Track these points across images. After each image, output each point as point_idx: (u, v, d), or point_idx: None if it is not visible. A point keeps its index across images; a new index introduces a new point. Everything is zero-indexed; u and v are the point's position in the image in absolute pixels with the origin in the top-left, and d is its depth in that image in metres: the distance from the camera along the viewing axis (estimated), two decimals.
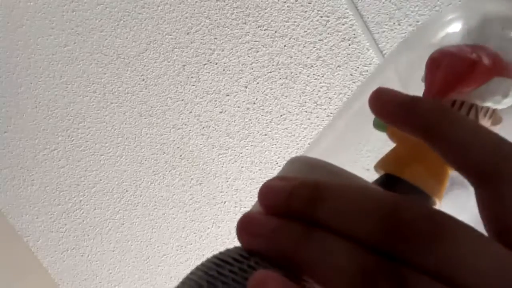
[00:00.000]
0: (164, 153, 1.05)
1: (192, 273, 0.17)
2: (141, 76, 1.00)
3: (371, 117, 0.21)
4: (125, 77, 1.02)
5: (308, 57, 0.85)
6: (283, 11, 0.84)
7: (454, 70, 0.30)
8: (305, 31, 0.83)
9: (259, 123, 0.94)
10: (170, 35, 0.94)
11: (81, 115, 1.09)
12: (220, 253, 0.18)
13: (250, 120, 0.94)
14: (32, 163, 1.19)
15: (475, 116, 0.30)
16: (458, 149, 0.17)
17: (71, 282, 1.28)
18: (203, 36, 0.92)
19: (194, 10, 0.90)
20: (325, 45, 0.82)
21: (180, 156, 1.04)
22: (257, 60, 0.89)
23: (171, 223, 1.12)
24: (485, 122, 0.31)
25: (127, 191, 1.13)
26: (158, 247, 1.15)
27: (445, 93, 0.30)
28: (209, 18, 0.90)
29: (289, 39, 0.85)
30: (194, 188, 1.06)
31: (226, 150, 0.99)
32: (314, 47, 0.84)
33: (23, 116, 1.15)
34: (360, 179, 0.20)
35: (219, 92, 0.95)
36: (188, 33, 0.93)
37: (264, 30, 0.86)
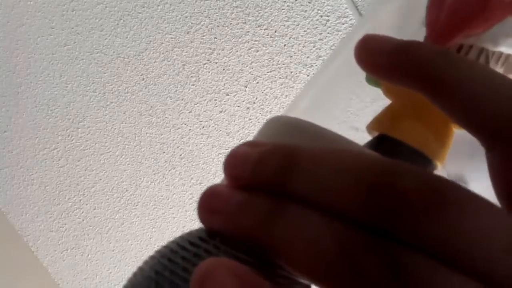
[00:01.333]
0: (164, 152, 1.05)
1: (145, 261, 0.15)
2: (141, 75, 1.00)
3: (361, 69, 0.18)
4: (125, 76, 1.02)
5: (308, 57, 0.85)
6: (283, 10, 0.84)
7: (461, 8, 0.25)
8: (305, 31, 0.83)
9: (259, 122, 0.94)
10: (170, 34, 0.94)
11: (81, 114, 1.09)
12: (180, 236, 0.16)
13: (250, 119, 0.94)
14: (32, 162, 1.19)
15: (485, 63, 0.26)
16: (466, 102, 0.14)
17: (71, 281, 1.28)
18: (203, 36, 0.91)
19: (194, 10, 0.90)
20: (325, 44, 0.82)
21: (180, 155, 1.04)
22: (257, 59, 0.89)
23: (171, 222, 1.12)
24: (497, 70, 0.26)
25: (127, 190, 1.13)
26: (157, 246, 1.15)
27: (450, 37, 0.25)
28: (209, 17, 0.90)
29: (289, 38, 0.85)
30: (194, 187, 1.06)
31: (226, 149, 0.99)
32: (314, 47, 0.84)
33: (23, 116, 1.15)
34: (349, 142, 0.17)
35: (219, 91, 0.95)
36: (188, 33, 0.93)
37: (264, 29, 0.86)
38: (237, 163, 0.15)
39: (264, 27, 0.86)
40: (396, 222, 0.12)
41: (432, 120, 0.22)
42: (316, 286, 0.13)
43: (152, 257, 0.15)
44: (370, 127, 0.24)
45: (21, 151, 1.19)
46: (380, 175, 0.13)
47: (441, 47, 0.15)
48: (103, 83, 1.04)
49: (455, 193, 0.12)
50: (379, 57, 0.16)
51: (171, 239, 0.15)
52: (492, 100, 0.14)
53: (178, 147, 1.03)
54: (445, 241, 0.12)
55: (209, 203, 0.15)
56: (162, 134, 1.03)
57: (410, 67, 0.15)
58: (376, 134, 0.23)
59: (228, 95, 0.94)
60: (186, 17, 0.91)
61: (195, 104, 0.98)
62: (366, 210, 0.12)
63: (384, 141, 0.23)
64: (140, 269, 0.15)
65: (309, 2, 0.81)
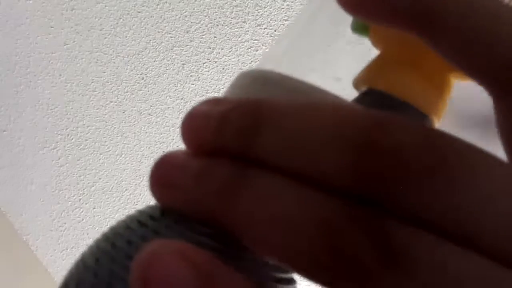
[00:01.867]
0: (164, 152, 1.05)
1: (90, 245, 0.13)
2: (141, 74, 1.00)
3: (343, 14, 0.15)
4: (124, 75, 1.02)
5: None
6: (282, 9, 0.84)
7: None
8: None
9: None
10: (170, 33, 0.94)
11: (80, 113, 1.09)
12: (131, 214, 0.13)
13: None
14: (32, 161, 1.19)
15: None
16: (471, 42, 0.11)
17: None
18: (203, 35, 0.91)
19: (194, 9, 0.90)
20: None
21: None
22: (256, 59, 0.89)
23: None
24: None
25: (126, 189, 1.13)
26: None
27: None
28: (209, 16, 0.90)
29: None
30: None
31: None
32: None
33: (22, 115, 1.15)
34: (331, 96, 0.14)
35: (218, 91, 0.95)
36: (187, 32, 0.93)
37: (264, 28, 0.86)
38: (196, 124, 0.12)
39: (264, 26, 0.86)
40: (388, 188, 0.10)
41: (427, 69, 0.19)
42: (292, 271, 0.11)
43: (96, 240, 0.13)
44: (356, 81, 0.21)
45: (20, 150, 1.19)
46: (366, 130, 0.10)
47: None
48: (103, 82, 1.04)
49: (459, 149, 0.10)
50: None
51: (123, 217, 0.13)
52: (504, 39, 0.11)
53: (177, 146, 1.03)
54: (452, 212, 0.09)
55: (160, 174, 0.13)
56: (161, 134, 1.03)
57: (404, 2, 0.12)
58: (363, 89, 0.20)
59: None
60: (186, 16, 0.91)
61: (195, 103, 0.98)
62: (349, 175, 0.10)
63: (371, 95, 0.20)
64: (82, 255, 0.13)
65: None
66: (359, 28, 0.22)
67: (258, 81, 0.15)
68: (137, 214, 0.13)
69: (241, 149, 0.11)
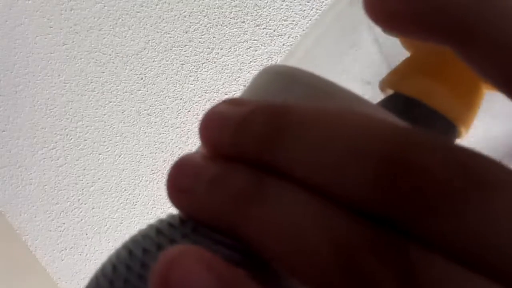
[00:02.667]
0: (163, 152, 1.05)
1: (110, 254, 0.13)
2: (140, 74, 1.00)
3: None
4: (123, 75, 1.01)
5: None
6: (281, 9, 0.84)
7: None
8: (303, 30, 0.83)
9: None
10: (169, 33, 0.94)
11: (79, 113, 1.09)
12: (153, 221, 0.13)
13: None
14: (31, 162, 1.19)
15: None
16: (505, 56, 0.10)
17: (69, 281, 1.28)
18: (202, 35, 0.91)
19: (193, 9, 0.90)
20: None
21: (179, 155, 1.04)
22: (255, 59, 0.89)
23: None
24: None
25: (125, 190, 1.13)
26: None
27: None
28: (208, 17, 0.90)
29: (288, 38, 0.85)
30: None
31: None
32: None
33: (21, 115, 1.15)
34: (359, 100, 0.13)
35: (217, 91, 0.94)
36: (186, 32, 0.93)
37: (263, 29, 0.86)
38: (215, 125, 0.12)
39: (263, 26, 0.86)
40: (413, 210, 0.09)
41: (458, 77, 0.18)
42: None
43: (116, 249, 0.13)
44: (383, 83, 0.19)
45: (19, 150, 1.19)
46: (395, 146, 0.09)
47: None
48: (102, 82, 1.04)
49: (495, 174, 0.09)
50: (394, 4, 0.11)
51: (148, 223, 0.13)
52: None
53: (176, 146, 1.03)
54: (480, 242, 0.08)
55: (175, 178, 0.12)
56: (160, 134, 1.03)
57: (434, 14, 0.11)
58: (390, 92, 0.19)
59: (227, 94, 0.94)
60: (185, 17, 0.91)
61: (194, 104, 0.98)
62: (371, 192, 0.09)
63: (398, 100, 0.18)
64: (102, 264, 0.13)
65: (307, 2, 0.81)
66: None
67: (281, 78, 0.14)
68: (158, 221, 0.13)
69: (259, 156, 0.11)
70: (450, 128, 0.18)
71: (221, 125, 0.12)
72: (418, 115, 0.18)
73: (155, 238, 0.12)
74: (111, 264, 0.12)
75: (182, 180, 0.12)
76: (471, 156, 0.09)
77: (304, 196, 0.10)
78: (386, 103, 0.19)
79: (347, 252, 0.09)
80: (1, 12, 1.07)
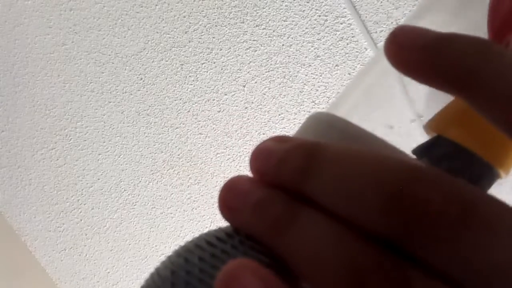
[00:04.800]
0: (162, 152, 1.05)
1: (163, 261, 0.15)
2: (139, 75, 1.00)
3: None
4: (123, 76, 1.01)
5: (306, 56, 0.85)
6: (281, 10, 0.84)
7: None
8: (303, 30, 0.83)
9: (257, 122, 0.94)
10: (168, 34, 0.94)
11: (79, 114, 1.09)
12: (204, 233, 0.15)
13: (248, 119, 0.94)
14: (30, 162, 1.19)
15: None
16: (504, 103, 0.12)
17: (69, 281, 1.28)
18: (201, 35, 0.91)
19: (192, 9, 0.90)
20: (323, 44, 0.82)
21: (178, 155, 1.04)
22: (255, 59, 0.89)
23: (169, 222, 1.12)
24: None
25: (125, 190, 1.13)
26: (156, 246, 1.15)
27: (505, 32, 0.22)
28: (207, 17, 0.90)
29: (287, 38, 0.85)
30: (192, 187, 1.06)
31: (224, 149, 0.99)
32: (312, 46, 0.84)
33: (20, 115, 1.15)
34: (388, 147, 0.15)
35: (217, 91, 0.95)
36: (186, 32, 0.93)
37: (262, 29, 0.86)
38: (261, 157, 0.14)
39: (262, 26, 0.86)
40: (413, 237, 0.10)
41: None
42: None
43: (169, 257, 0.15)
44: (427, 127, 0.21)
45: (19, 151, 1.19)
46: (403, 181, 0.11)
47: (479, 39, 0.13)
48: (101, 82, 1.04)
49: (491, 210, 0.10)
50: (409, 53, 0.13)
51: (193, 238, 0.15)
52: None
53: (176, 146, 1.03)
54: (468, 269, 0.10)
55: (226, 198, 0.14)
56: (160, 134, 1.03)
57: (442, 65, 0.13)
58: (434, 135, 0.20)
59: (226, 94, 0.94)
60: (184, 17, 0.91)
61: (193, 104, 0.98)
62: (382, 221, 0.11)
63: (440, 143, 0.20)
64: (157, 269, 0.15)
65: (307, 2, 0.81)
66: None
67: (323, 124, 0.17)
68: (205, 234, 0.15)
69: (295, 185, 0.13)
70: (490, 171, 0.20)
71: (266, 157, 0.14)
72: (457, 158, 0.20)
73: (208, 249, 0.14)
74: (168, 269, 0.14)
75: (232, 199, 0.14)
76: (474, 193, 0.10)
77: (327, 223, 0.12)
78: (426, 147, 0.20)
79: (359, 273, 0.11)
80: (1, 12, 1.07)
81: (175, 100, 0.99)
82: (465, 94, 0.13)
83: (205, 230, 0.15)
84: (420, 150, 0.20)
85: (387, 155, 0.13)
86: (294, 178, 0.13)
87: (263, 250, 0.13)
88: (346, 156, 0.13)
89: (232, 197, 0.14)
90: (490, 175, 0.20)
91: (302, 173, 0.13)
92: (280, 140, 0.14)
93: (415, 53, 0.13)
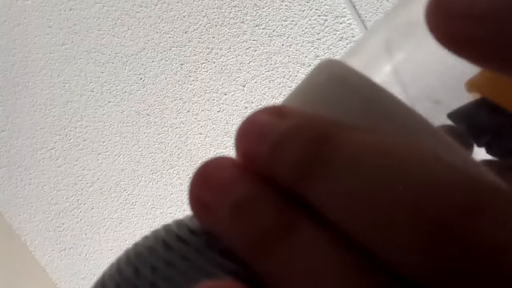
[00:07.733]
0: (162, 152, 1.05)
1: (116, 260, 0.12)
2: (139, 75, 1.00)
3: None
4: (122, 76, 1.01)
5: (305, 56, 0.85)
6: (281, 10, 0.84)
7: None
8: (303, 30, 0.83)
9: None
10: (168, 34, 0.94)
11: (78, 114, 1.09)
12: (156, 231, 0.12)
13: None
14: (30, 162, 1.19)
15: None
16: None
17: (68, 281, 1.28)
18: (201, 35, 0.91)
19: (192, 9, 0.90)
20: (323, 44, 0.82)
21: (178, 155, 1.04)
22: (254, 59, 0.89)
23: (168, 222, 1.12)
24: None
25: (125, 190, 1.13)
26: None
27: None
28: (207, 17, 0.90)
29: (287, 38, 0.85)
30: None
31: (224, 149, 0.99)
32: (312, 46, 0.84)
33: (20, 115, 1.15)
34: (415, 117, 0.11)
35: (217, 91, 0.95)
36: (186, 32, 0.93)
37: (262, 29, 0.86)
38: (251, 136, 0.10)
39: (262, 26, 0.86)
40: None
41: None
42: None
43: (118, 262, 0.11)
44: (470, 85, 0.17)
45: (18, 150, 1.19)
46: (461, 214, 0.07)
47: None
48: (101, 82, 1.04)
49: None
50: (457, 23, 0.09)
51: (148, 233, 0.12)
52: None
53: (176, 146, 1.03)
54: None
55: (200, 189, 0.10)
56: (160, 134, 1.03)
57: (501, 38, 0.09)
58: (477, 95, 0.17)
59: (226, 94, 0.94)
60: (184, 17, 0.91)
61: (193, 104, 0.98)
62: (416, 262, 0.07)
63: (483, 108, 0.16)
64: (102, 277, 0.11)
65: (307, 2, 0.81)
66: None
67: (335, 81, 0.12)
68: (162, 232, 0.12)
69: (290, 185, 0.09)
70: None
71: (258, 138, 0.10)
72: (503, 129, 0.16)
73: (164, 254, 0.11)
74: (114, 282, 0.11)
75: (205, 193, 0.10)
76: None
77: (333, 248, 0.09)
78: (471, 108, 0.16)
79: None
80: (0, 12, 1.07)
81: (174, 100, 0.99)
82: None
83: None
84: (460, 115, 0.16)
85: (440, 157, 0.08)
86: (291, 175, 0.09)
87: (236, 257, 0.10)
88: (375, 156, 0.08)
89: (206, 189, 0.10)
90: None
91: (303, 171, 0.09)
92: (277, 113, 0.10)
93: (468, 22, 0.09)
